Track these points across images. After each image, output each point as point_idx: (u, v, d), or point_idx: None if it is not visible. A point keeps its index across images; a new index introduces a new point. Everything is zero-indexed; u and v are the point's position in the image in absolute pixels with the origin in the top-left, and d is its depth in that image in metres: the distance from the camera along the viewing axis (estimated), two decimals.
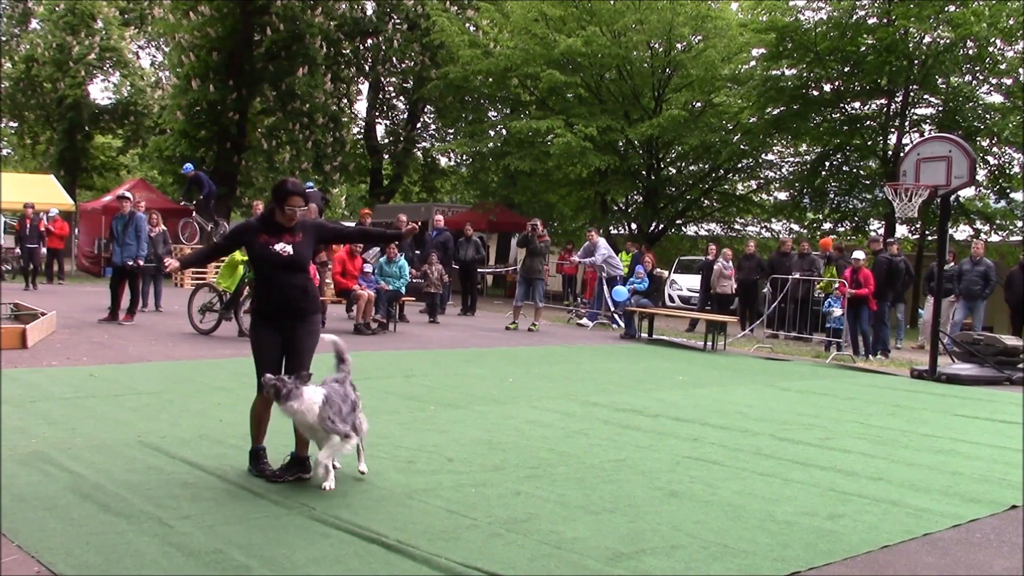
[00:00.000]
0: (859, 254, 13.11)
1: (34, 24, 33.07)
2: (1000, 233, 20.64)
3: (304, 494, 4.44)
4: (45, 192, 21.49)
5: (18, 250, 18.88)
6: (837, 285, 13.38)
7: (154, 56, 36.99)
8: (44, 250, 18.28)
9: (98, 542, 3.63)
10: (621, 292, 14.98)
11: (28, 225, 17.85)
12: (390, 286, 13.18)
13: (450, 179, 32.75)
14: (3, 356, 8.15)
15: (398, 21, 27.16)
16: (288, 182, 4.85)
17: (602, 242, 16.12)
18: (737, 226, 24.77)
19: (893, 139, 20.77)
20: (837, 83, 21.20)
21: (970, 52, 19.16)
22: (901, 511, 4.71)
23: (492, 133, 25.63)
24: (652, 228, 23.63)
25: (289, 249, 4.73)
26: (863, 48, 19.86)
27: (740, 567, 3.74)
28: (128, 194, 14.08)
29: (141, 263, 12.34)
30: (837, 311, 13.18)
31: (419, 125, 31.04)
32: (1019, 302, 13.73)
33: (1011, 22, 18.18)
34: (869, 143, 21.18)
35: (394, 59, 28.41)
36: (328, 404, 4.49)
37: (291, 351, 4.79)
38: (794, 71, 21.24)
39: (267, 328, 4.79)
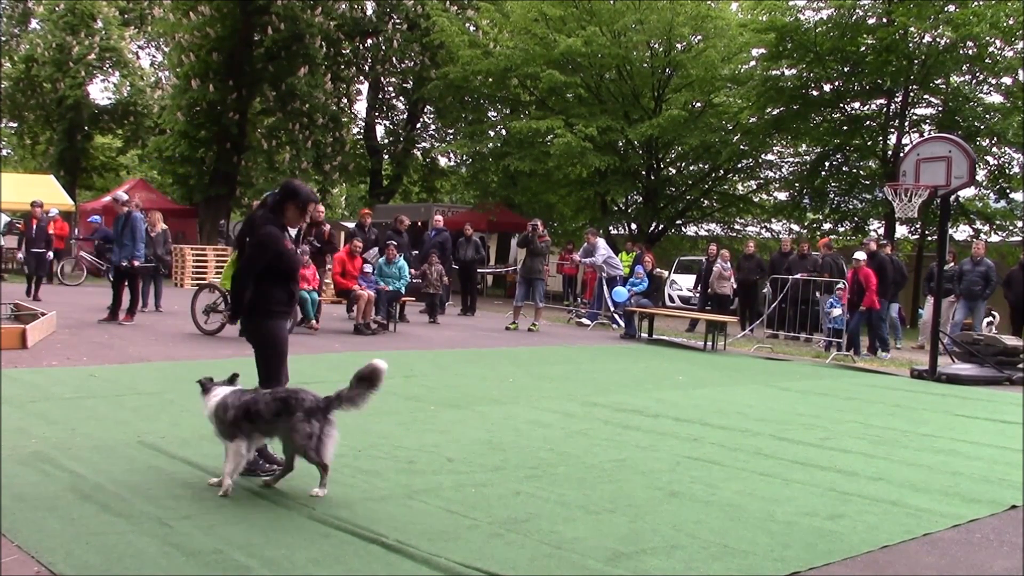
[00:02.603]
0: (860, 255, 13.12)
1: (34, 24, 33.09)
2: (1000, 233, 20.64)
3: (304, 494, 4.44)
4: (45, 192, 21.48)
5: (20, 254, 17.23)
6: (839, 286, 13.41)
7: (154, 56, 37.06)
8: (51, 254, 16.37)
9: (98, 542, 3.63)
10: (621, 292, 14.99)
11: (35, 227, 15.73)
12: (390, 287, 13.19)
13: (450, 179, 32.75)
14: (3, 356, 8.15)
15: (398, 21, 27.17)
16: (307, 188, 4.92)
17: (601, 242, 16.13)
18: (737, 226, 24.77)
19: (893, 139, 20.77)
20: (837, 83, 21.19)
21: (970, 52, 19.16)
22: (901, 511, 4.71)
23: (492, 133, 25.64)
24: (652, 228, 23.63)
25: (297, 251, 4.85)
26: (863, 48, 19.86)
27: (740, 567, 3.74)
28: (123, 195, 13.89)
29: (136, 263, 12.13)
30: (836, 311, 13.19)
31: (419, 125, 31.04)
32: (1019, 301, 13.75)
33: (1011, 22, 18.18)
34: (869, 143, 21.18)
35: (394, 59, 28.42)
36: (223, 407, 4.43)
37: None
38: (794, 71, 21.23)
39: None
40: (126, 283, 12.35)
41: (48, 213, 17.87)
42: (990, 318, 12.82)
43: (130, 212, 12.33)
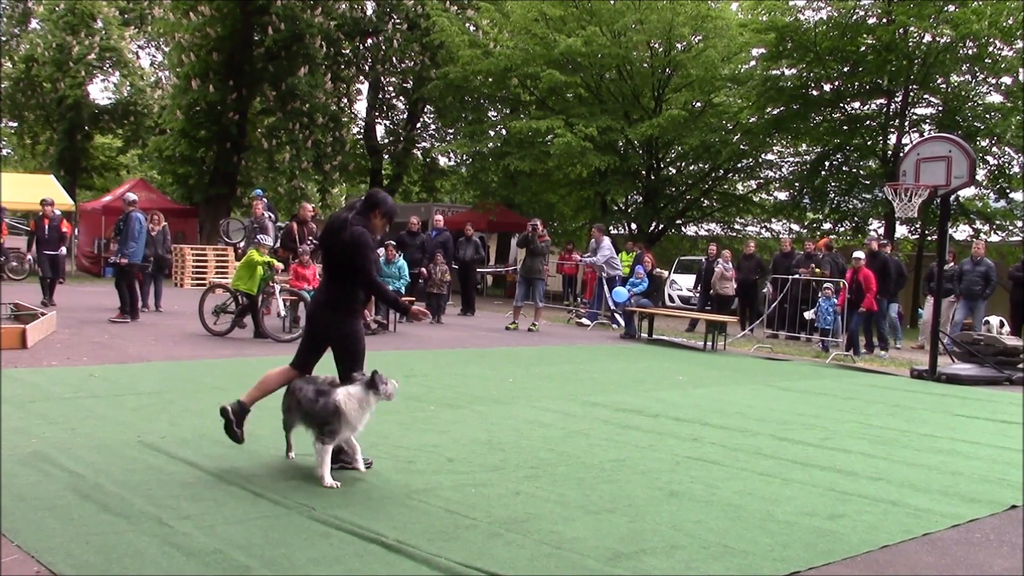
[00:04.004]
0: (859, 254, 13.13)
1: (34, 24, 33.08)
2: (1000, 233, 20.64)
3: (304, 494, 4.44)
4: (45, 192, 21.46)
5: (31, 255, 16.35)
6: (826, 285, 13.43)
7: (154, 56, 37.03)
8: (64, 255, 15.29)
9: (98, 542, 3.63)
10: (621, 292, 14.98)
11: (47, 227, 14.68)
12: (390, 286, 13.16)
13: (450, 179, 32.74)
14: (3, 356, 8.15)
15: (398, 21, 27.15)
16: (392, 201, 5.19)
17: (606, 241, 16.02)
18: (737, 226, 24.77)
19: (893, 139, 20.77)
20: (837, 83, 21.20)
21: (970, 52, 19.16)
22: (901, 511, 4.71)
23: (492, 133, 25.63)
24: (652, 228, 23.63)
25: None
26: (863, 48, 19.87)
27: (740, 567, 3.74)
28: (131, 196, 13.93)
29: (124, 261, 12.20)
30: (808, 314, 13.29)
31: (419, 125, 31.02)
32: (1021, 299, 13.81)
33: (1011, 21, 18.18)
34: (869, 143, 21.17)
35: (394, 59, 28.40)
36: None
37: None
38: (794, 71, 21.24)
39: None
40: (128, 281, 12.46)
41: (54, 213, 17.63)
42: (999, 320, 12.84)
43: (129, 212, 12.42)
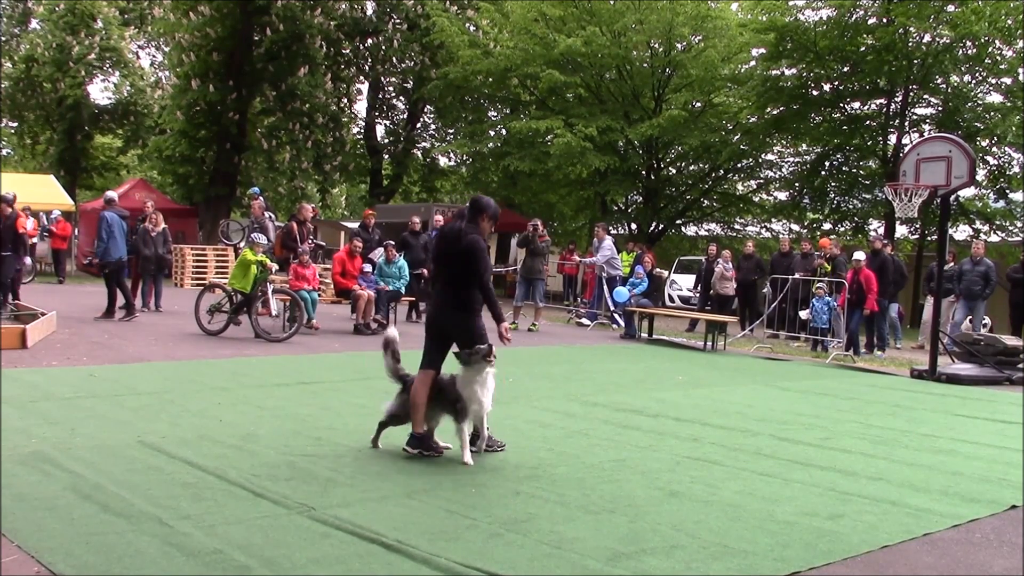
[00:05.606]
0: (860, 255, 13.13)
1: (34, 24, 33.05)
2: (1000, 233, 20.65)
3: (304, 494, 4.44)
4: (45, 192, 21.48)
5: None
6: (819, 286, 13.43)
7: (154, 56, 37.04)
8: (27, 258, 14.52)
9: (98, 542, 3.63)
10: (622, 293, 14.98)
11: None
12: (390, 286, 13.19)
13: (450, 179, 32.76)
14: (3, 356, 8.15)
15: (398, 21, 27.18)
16: (494, 203, 5.62)
17: (608, 241, 15.98)
18: (737, 226, 24.78)
19: (893, 139, 20.79)
20: (837, 83, 21.22)
21: (970, 52, 19.17)
22: (901, 511, 4.71)
23: (492, 133, 25.65)
24: (652, 228, 23.64)
25: None
26: (863, 48, 19.88)
27: (740, 567, 3.74)
28: (109, 194, 13.80)
29: (96, 261, 12.46)
30: (803, 314, 13.28)
31: (419, 125, 31.05)
32: (1020, 299, 13.81)
33: (1010, 22, 18.19)
34: (869, 143, 21.20)
35: (394, 59, 28.43)
36: None
37: None
38: (794, 71, 21.26)
39: None
40: (131, 280, 12.56)
41: (51, 214, 17.58)
42: (986, 321, 12.86)
43: (101, 211, 12.51)
